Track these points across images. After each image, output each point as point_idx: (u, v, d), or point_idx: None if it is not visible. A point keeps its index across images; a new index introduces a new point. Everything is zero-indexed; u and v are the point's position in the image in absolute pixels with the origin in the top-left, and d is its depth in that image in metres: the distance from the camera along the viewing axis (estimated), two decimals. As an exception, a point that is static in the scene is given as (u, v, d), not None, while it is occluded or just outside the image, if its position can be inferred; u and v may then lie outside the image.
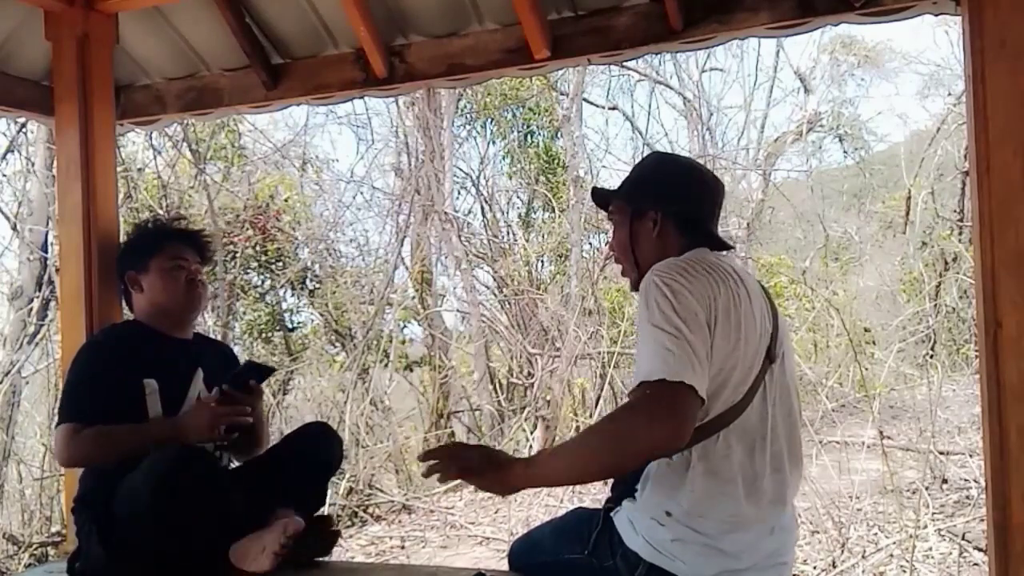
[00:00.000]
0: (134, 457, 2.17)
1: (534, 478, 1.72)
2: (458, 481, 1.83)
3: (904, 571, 4.32)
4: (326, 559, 2.58)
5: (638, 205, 1.97)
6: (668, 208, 1.93)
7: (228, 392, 2.37)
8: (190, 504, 2.08)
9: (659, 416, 1.54)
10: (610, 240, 2.08)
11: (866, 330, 10.44)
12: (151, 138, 7.06)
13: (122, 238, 3.01)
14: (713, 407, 1.73)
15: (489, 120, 10.07)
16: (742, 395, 1.76)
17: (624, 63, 7.27)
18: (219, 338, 6.14)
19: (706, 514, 1.75)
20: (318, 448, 2.57)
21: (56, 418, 2.32)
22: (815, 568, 4.50)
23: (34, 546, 5.26)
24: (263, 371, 2.55)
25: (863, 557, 4.47)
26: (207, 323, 6.86)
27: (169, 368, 2.42)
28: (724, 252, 1.95)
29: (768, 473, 1.80)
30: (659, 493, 1.78)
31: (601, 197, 2.10)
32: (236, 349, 7.70)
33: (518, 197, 10.34)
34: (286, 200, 8.48)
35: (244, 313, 8.09)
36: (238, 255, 7.58)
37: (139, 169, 7.29)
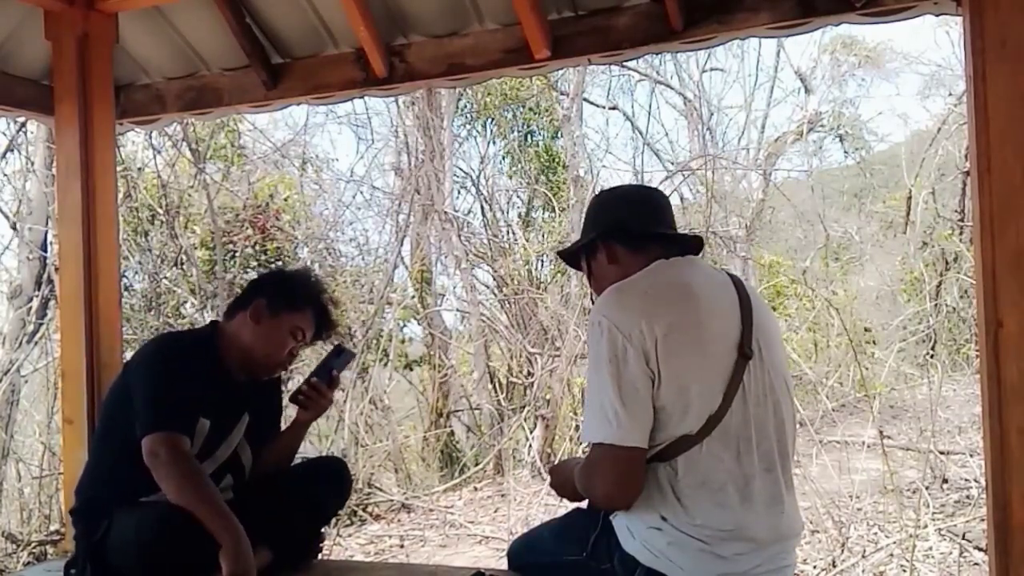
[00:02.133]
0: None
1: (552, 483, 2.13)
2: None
3: (904, 570, 4.32)
4: (326, 558, 2.59)
5: (586, 243, 2.02)
6: (607, 230, 1.97)
7: (315, 384, 2.46)
8: (177, 566, 2.07)
9: (606, 490, 1.81)
10: None
11: (866, 330, 10.43)
12: (151, 137, 7.05)
13: (122, 237, 2.98)
14: (688, 422, 1.74)
15: (489, 120, 10.07)
16: (719, 403, 1.76)
17: (624, 63, 7.27)
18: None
19: (701, 523, 1.75)
20: (322, 492, 2.54)
21: (145, 424, 2.15)
22: (815, 567, 4.50)
23: (33, 544, 5.25)
24: (348, 358, 2.60)
25: (863, 556, 4.47)
26: (205, 322, 6.86)
27: (222, 411, 2.36)
28: (688, 257, 1.95)
29: (759, 473, 1.80)
30: (652, 503, 1.78)
31: (569, 255, 2.17)
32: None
33: (518, 197, 10.34)
34: (286, 199, 8.48)
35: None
36: (237, 254, 7.58)
37: (139, 168, 7.28)
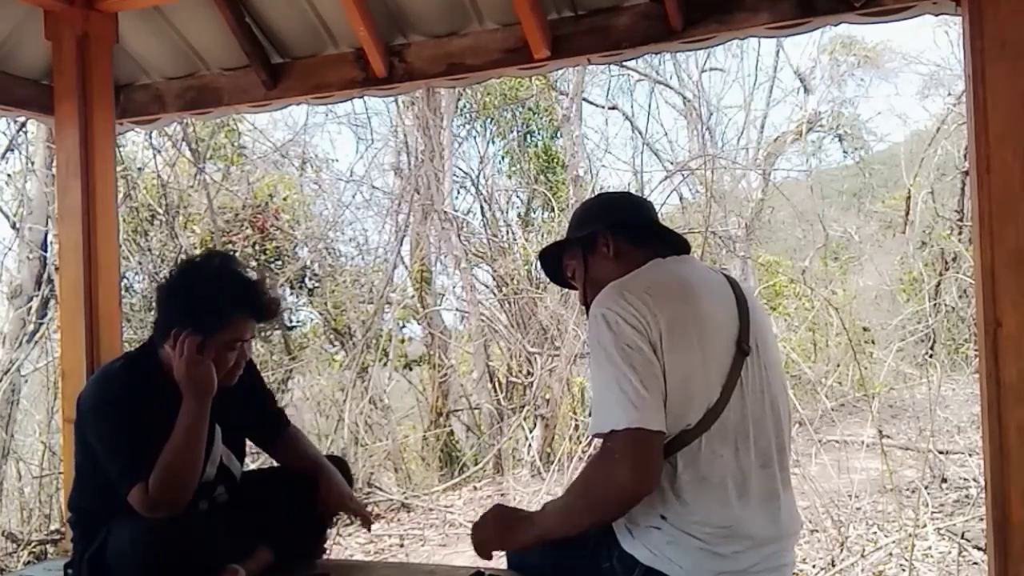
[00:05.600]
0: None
1: (536, 536, 1.90)
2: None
3: (903, 570, 4.32)
4: (326, 558, 2.60)
5: (586, 235, 1.99)
6: (613, 223, 1.96)
7: None
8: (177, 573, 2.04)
9: (627, 476, 1.68)
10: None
11: (865, 329, 10.43)
12: (151, 137, 7.06)
13: (122, 237, 2.97)
14: (687, 416, 1.74)
15: (488, 120, 10.06)
16: (717, 397, 1.76)
17: (624, 63, 7.28)
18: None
19: (700, 520, 1.75)
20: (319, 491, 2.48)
21: (121, 481, 2.09)
22: (814, 567, 4.51)
23: (33, 544, 5.26)
24: None
25: (862, 556, 4.48)
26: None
27: None
28: (683, 256, 1.96)
29: (756, 469, 1.80)
30: (651, 501, 1.78)
31: (551, 259, 2.12)
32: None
33: (517, 196, 10.34)
34: (285, 199, 8.49)
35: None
36: (237, 254, 7.58)
37: (139, 168, 7.29)
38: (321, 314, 8.40)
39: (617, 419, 1.68)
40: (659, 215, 2.10)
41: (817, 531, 4.91)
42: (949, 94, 10.90)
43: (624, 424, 1.68)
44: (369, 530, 2.54)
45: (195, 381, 2.14)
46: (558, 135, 10.07)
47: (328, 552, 2.61)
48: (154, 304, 2.33)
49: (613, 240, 1.95)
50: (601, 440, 1.73)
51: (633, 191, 8.38)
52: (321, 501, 2.43)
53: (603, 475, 1.73)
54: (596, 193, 2.35)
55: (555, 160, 10.00)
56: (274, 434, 2.54)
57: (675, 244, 1.99)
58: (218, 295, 2.16)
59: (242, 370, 2.31)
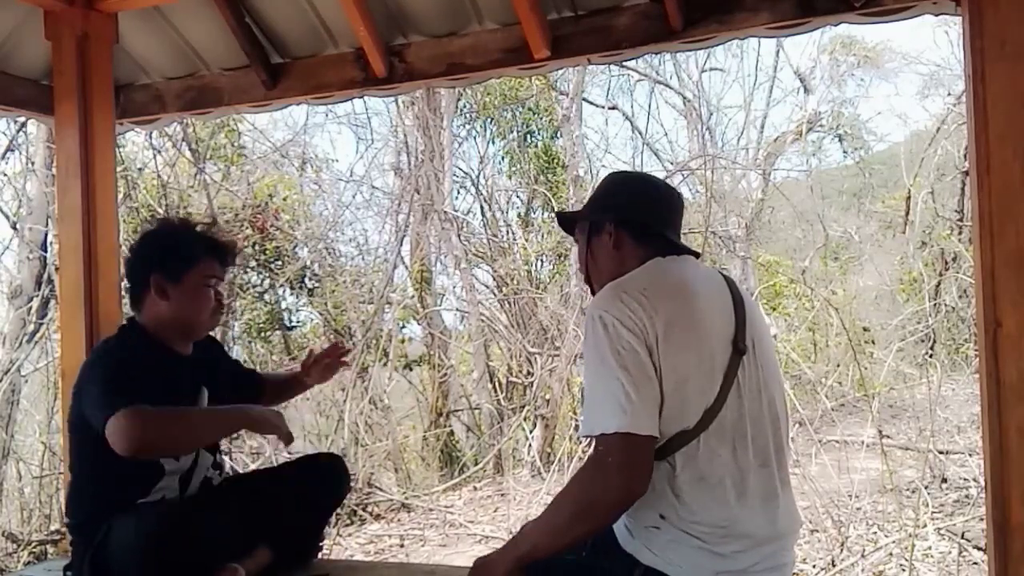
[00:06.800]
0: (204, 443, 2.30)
1: (521, 556, 1.81)
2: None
3: (903, 570, 4.33)
4: (326, 557, 2.60)
5: (594, 220, 2.01)
6: (621, 217, 1.96)
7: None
8: (177, 566, 2.05)
9: (617, 480, 1.68)
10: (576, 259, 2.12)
11: (865, 329, 10.44)
12: (151, 138, 7.06)
13: (122, 237, 2.98)
14: (686, 417, 1.74)
15: (489, 120, 10.06)
16: (715, 396, 1.76)
17: (624, 63, 7.28)
18: (218, 338, 6.12)
19: (700, 520, 1.75)
20: (319, 488, 2.54)
21: (100, 413, 2.05)
22: (814, 567, 4.51)
23: (33, 544, 5.26)
24: None
25: (862, 556, 4.48)
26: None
27: (181, 394, 2.33)
28: (683, 256, 1.96)
29: (754, 469, 1.80)
30: (650, 501, 1.77)
31: (566, 221, 2.16)
32: (236, 349, 7.76)
33: (517, 197, 10.35)
34: (285, 199, 8.49)
35: (243, 312, 8.10)
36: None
37: (139, 169, 7.29)
38: (321, 314, 8.40)
39: (607, 423, 1.69)
40: (682, 208, 2.08)
41: (817, 531, 4.91)
42: (949, 94, 10.90)
43: (614, 428, 1.68)
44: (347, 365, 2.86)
45: (277, 420, 2.32)
46: (558, 135, 10.07)
47: (328, 552, 2.61)
48: (126, 278, 2.49)
49: (617, 234, 1.96)
50: (592, 442, 1.74)
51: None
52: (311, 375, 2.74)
53: (593, 479, 1.73)
54: (631, 172, 2.31)
55: (555, 160, 10.01)
56: (260, 389, 2.72)
57: (678, 245, 1.99)
58: (181, 240, 2.41)
59: (221, 318, 2.55)
